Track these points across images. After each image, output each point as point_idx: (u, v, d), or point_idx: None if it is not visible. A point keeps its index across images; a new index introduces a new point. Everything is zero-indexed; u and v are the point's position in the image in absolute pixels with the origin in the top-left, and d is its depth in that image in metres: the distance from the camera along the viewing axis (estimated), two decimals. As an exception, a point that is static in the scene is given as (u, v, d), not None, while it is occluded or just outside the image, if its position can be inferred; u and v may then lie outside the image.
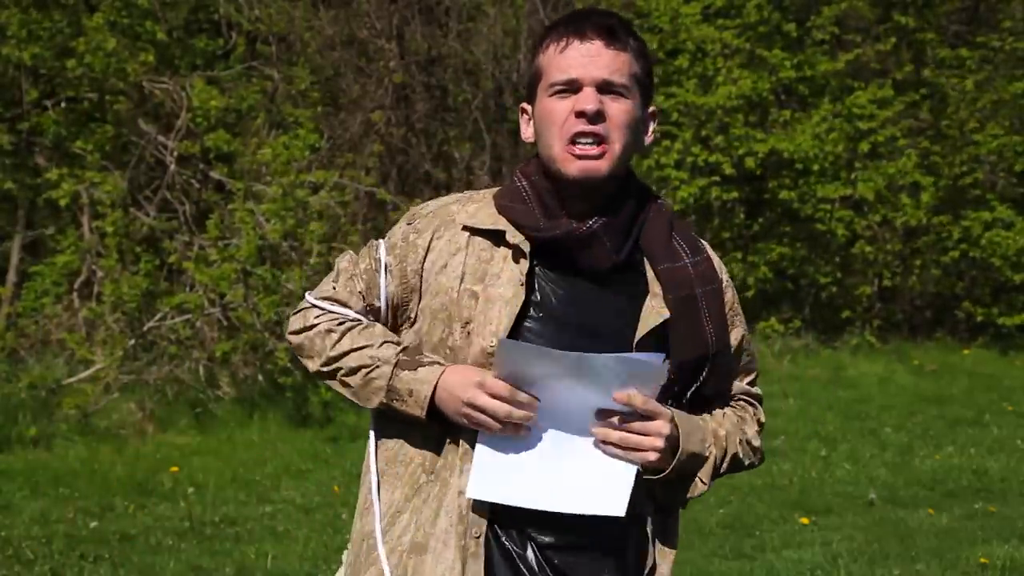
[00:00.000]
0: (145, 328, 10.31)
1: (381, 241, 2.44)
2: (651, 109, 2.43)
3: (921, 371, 12.81)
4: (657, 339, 2.30)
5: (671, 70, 14.13)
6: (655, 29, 14.17)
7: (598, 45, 2.30)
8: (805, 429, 9.87)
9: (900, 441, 9.55)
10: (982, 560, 6.35)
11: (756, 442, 2.47)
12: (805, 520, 7.25)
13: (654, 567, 2.38)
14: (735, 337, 2.44)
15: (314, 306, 2.44)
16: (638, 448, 2.25)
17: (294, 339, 2.45)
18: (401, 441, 2.36)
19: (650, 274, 2.35)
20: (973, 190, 14.56)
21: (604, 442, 2.25)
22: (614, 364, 2.20)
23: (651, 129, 2.44)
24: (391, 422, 2.37)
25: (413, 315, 2.38)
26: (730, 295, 2.45)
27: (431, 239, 2.37)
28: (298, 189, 10.40)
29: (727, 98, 13.60)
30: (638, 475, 2.27)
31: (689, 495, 2.37)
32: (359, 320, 2.40)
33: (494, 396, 2.23)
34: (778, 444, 9.33)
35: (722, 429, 2.40)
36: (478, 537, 2.26)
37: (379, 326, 2.39)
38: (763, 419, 2.53)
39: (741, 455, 2.43)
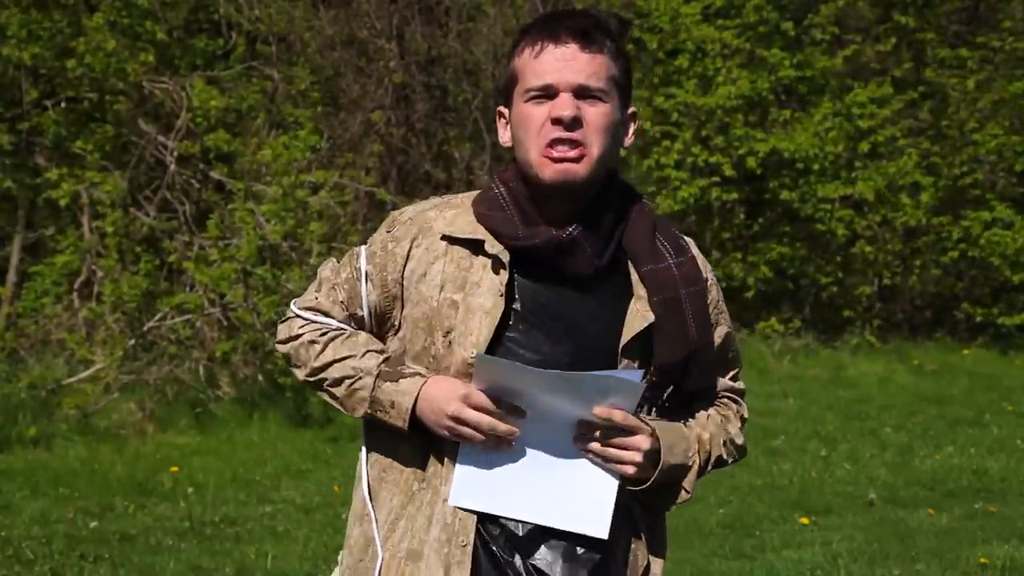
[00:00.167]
0: (145, 328, 10.31)
1: (362, 248, 2.42)
2: (630, 110, 2.38)
3: (921, 371, 12.81)
4: (642, 341, 2.29)
5: (671, 70, 14.13)
6: (655, 29, 14.17)
7: (573, 49, 2.26)
8: (805, 429, 9.88)
9: (900, 441, 9.55)
10: (982, 560, 6.35)
11: (739, 440, 2.47)
12: (805, 520, 7.25)
13: (647, 570, 2.37)
14: (720, 334, 2.44)
15: (298, 316, 2.43)
16: (617, 462, 2.25)
17: (281, 348, 2.46)
18: (394, 448, 2.36)
19: (634, 276, 2.33)
20: (973, 190, 14.56)
21: (585, 451, 2.26)
22: (592, 381, 2.20)
23: (631, 130, 2.39)
24: (382, 429, 2.36)
25: (397, 323, 2.37)
26: (714, 293, 2.43)
27: (410, 247, 2.35)
28: (298, 189, 10.40)
29: (727, 98, 13.60)
30: (620, 488, 2.27)
31: (672, 502, 2.37)
32: (342, 329, 2.39)
33: (478, 409, 2.22)
34: (778, 444, 9.33)
35: (706, 433, 2.40)
36: (464, 546, 2.25)
37: (363, 335, 2.38)
38: (746, 414, 2.52)
39: (725, 456, 2.44)
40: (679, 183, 13.78)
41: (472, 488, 2.26)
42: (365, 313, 2.39)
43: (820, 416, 10.46)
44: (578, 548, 2.28)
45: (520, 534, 2.27)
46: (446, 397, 2.24)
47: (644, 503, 2.34)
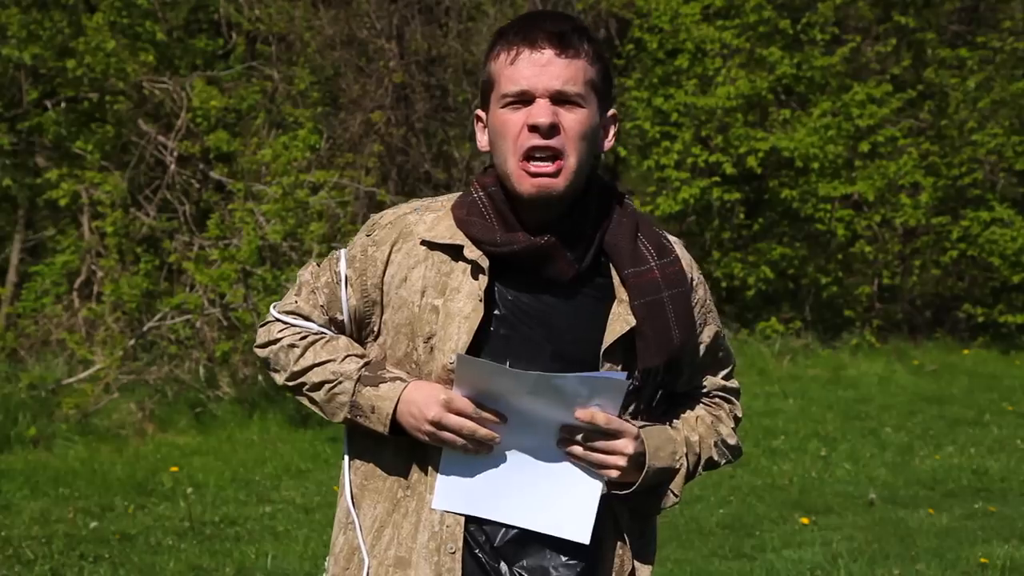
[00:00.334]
0: (145, 328, 10.31)
1: (342, 252, 2.39)
2: (611, 112, 2.34)
3: (921, 371, 12.81)
4: (625, 345, 2.26)
5: (671, 70, 14.13)
6: (655, 29, 14.17)
7: (549, 54, 2.21)
8: (805, 429, 9.87)
9: (900, 441, 9.55)
10: (982, 560, 6.34)
11: (732, 441, 2.44)
12: (805, 520, 7.25)
13: (632, 575, 2.35)
14: (708, 335, 2.41)
15: (277, 320, 2.41)
16: (601, 465, 2.23)
17: (260, 353, 2.43)
18: (376, 455, 2.34)
19: (616, 279, 2.29)
20: (973, 190, 14.57)
21: (569, 454, 2.24)
22: (574, 383, 2.18)
23: (611, 132, 2.34)
24: (363, 436, 2.34)
25: (376, 328, 2.34)
26: (701, 293, 2.40)
27: (389, 252, 2.32)
28: (298, 189, 10.40)
29: (727, 98, 13.61)
30: (605, 493, 2.26)
31: (661, 506, 2.34)
32: (322, 333, 2.36)
33: (459, 414, 2.20)
34: (778, 444, 9.33)
35: (695, 434, 2.37)
36: (453, 553, 2.24)
37: (343, 339, 2.35)
38: (740, 414, 2.49)
39: (716, 457, 2.41)
40: (679, 183, 13.79)
41: (455, 492, 2.24)
42: (345, 317, 2.36)
43: (820, 416, 10.46)
44: (563, 555, 2.26)
45: (505, 540, 2.26)
46: (426, 402, 2.21)
47: (631, 507, 2.32)
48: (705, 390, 2.46)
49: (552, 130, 2.20)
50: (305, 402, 2.38)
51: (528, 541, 2.26)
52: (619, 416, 2.24)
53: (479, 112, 2.33)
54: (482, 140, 2.33)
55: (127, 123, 11.23)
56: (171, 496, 7.64)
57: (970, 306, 14.74)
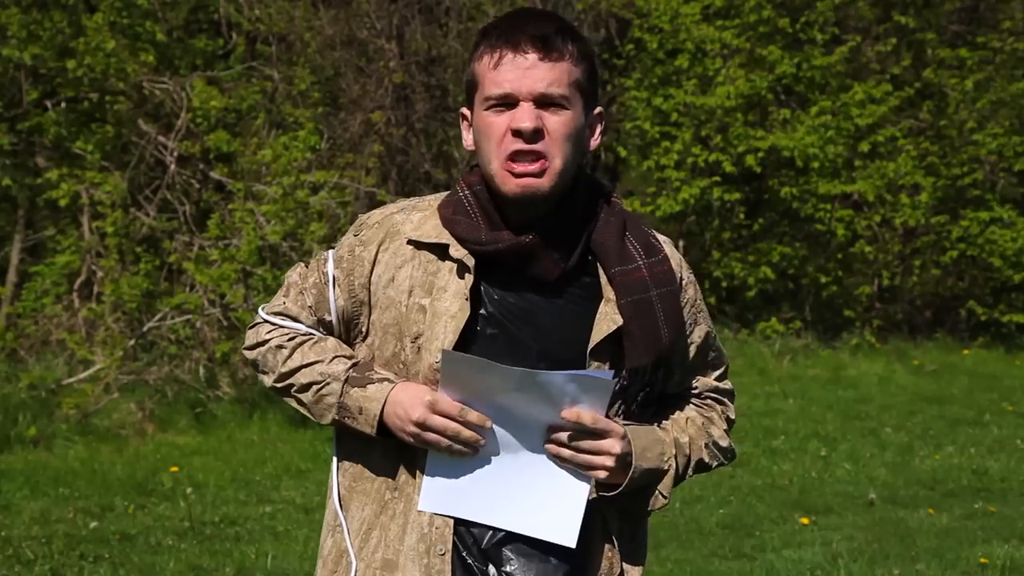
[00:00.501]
0: (145, 328, 10.31)
1: (330, 253, 2.38)
2: (597, 111, 2.31)
3: (921, 371, 12.81)
4: (612, 345, 2.25)
5: (671, 70, 14.13)
6: (655, 29, 14.17)
7: (533, 58, 2.19)
8: (805, 429, 9.87)
9: (900, 441, 9.55)
10: (982, 560, 6.35)
11: (724, 443, 2.42)
12: (805, 520, 7.25)
13: None
14: (699, 334, 2.39)
15: (266, 321, 2.39)
16: (588, 466, 2.21)
17: (249, 354, 2.41)
18: (364, 457, 2.32)
19: (603, 278, 2.28)
20: (972, 190, 14.57)
21: (556, 456, 2.22)
22: (561, 380, 2.17)
23: (597, 131, 2.33)
24: (352, 438, 2.33)
25: (364, 329, 2.33)
26: (691, 292, 2.38)
27: (377, 252, 2.31)
28: (298, 190, 10.40)
29: (726, 98, 13.61)
30: (592, 494, 2.24)
31: (649, 508, 2.32)
32: (311, 335, 2.35)
33: (443, 415, 2.19)
34: (778, 444, 9.33)
35: (684, 436, 2.35)
36: (443, 554, 2.23)
37: (331, 340, 2.34)
38: (732, 416, 2.47)
39: (707, 459, 2.39)
40: (679, 183, 13.79)
41: (441, 495, 2.23)
42: (333, 318, 2.35)
43: (820, 416, 10.46)
44: (551, 557, 2.25)
45: (492, 543, 2.24)
46: (411, 402, 2.20)
47: (620, 509, 2.30)
48: (697, 391, 2.43)
49: (536, 135, 2.19)
50: (293, 404, 2.36)
51: (515, 544, 2.24)
52: (605, 416, 2.22)
53: (464, 111, 2.32)
54: (467, 139, 2.32)
55: (127, 123, 11.23)
56: (171, 496, 7.64)
57: (972, 305, 14.73)
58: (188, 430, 9.57)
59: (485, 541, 2.25)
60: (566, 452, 2.21)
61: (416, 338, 2.25)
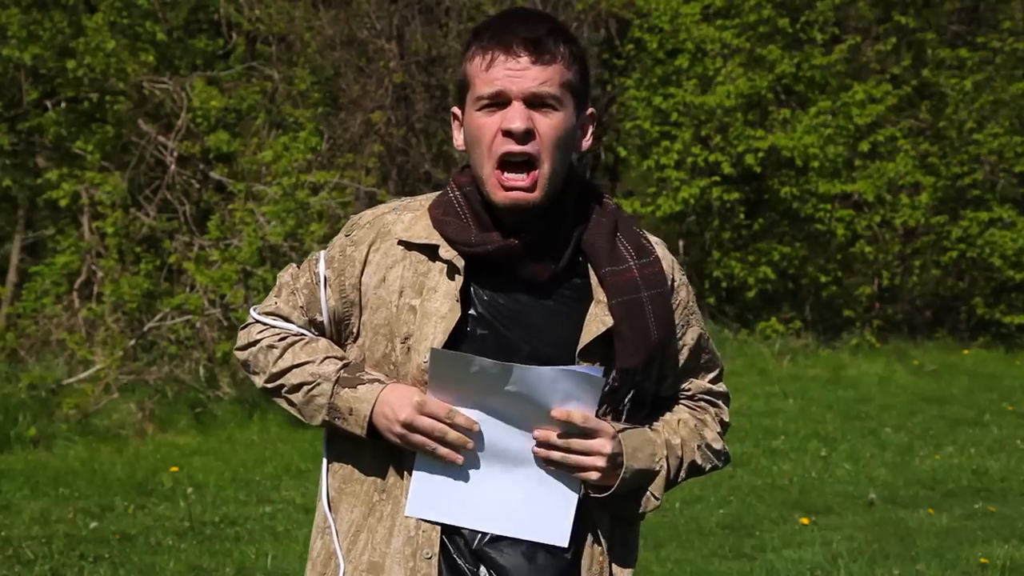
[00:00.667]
0: (145, 328, 10.31)
1: (321, 253, 2.38)
2: (589, 111, 2.31)
3: (921, 371, 12.81)
4: (602, 346, 2.23)
5: (671, 70, 14.14)
6: (655, 29, 14.18)
7: (525, 61, 2.19)
8: (805, 429, 9.87)
9: (900, 441, 9.54)
10: (982, 560, 6.35)
11: (717, 445, 2.40)
12: (805, 520, 7.25)
13: None
14: (692, 337, 2.38)
15: (257, 321, 2.38)
16: (579, 467, 2.20)
17: (240, 355, 2.40)
18: (354, 458, 2.31)
19: (594, 279, 2.27)
20: (972, 190, 14.57)
21: (545, 461, 2.21)
22: (551, 377, 2.16)
23: (589, 132, 2.32)
24: (342, 439, 2.32)
25: (355, 330, 2.32)
26: (683, 294, 2.37)
27: (367, 252, 2.30)
28: (298, 190, 10.40)
29: (726, 97, 13.61)
30: (583, 495, 2.23)
31: (641, 510, 2.30)
32: (302, 335, 2.34)
33: (431, 417, 2.18)
34: (778, 444, 9.33)
35: (676, 438, 2.33)
36: (429, 558, 2.21)
37: (323, 341, 2.33)
38: (727, 419, 2.45)
39: (700, 461, 2.36)
40: (679, 183, 13.79)
41: (429, 499, 2.22)
42: (325, 319, 2.34)
43: (820, 416, 10.46)
44: (541, 559, 2.23)
45: (483, 544, 2.23)
46: (400, 403, 2.19)
47: (611, 512, 2.28)
48: (690, 393, 2.42)
49: (527, 136, 2.18)
50: (284, 405, 2.35)
51: (506, 544, 2.23)
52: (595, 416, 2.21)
53: (455, 110, 2.32)
54: (458, 139, 2.32)
55: (127, 123, 11.23)
56: (171, 496, 7.65)
57: (973, 304, 14.72)
58: (188, 430, 9.57)
59: (476, 543, 2.23)
60: (556, 455, 2.19)
61: (406, 338, 2.25)
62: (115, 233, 10.46)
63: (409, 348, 2.24)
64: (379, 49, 13.79)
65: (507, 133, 2.18)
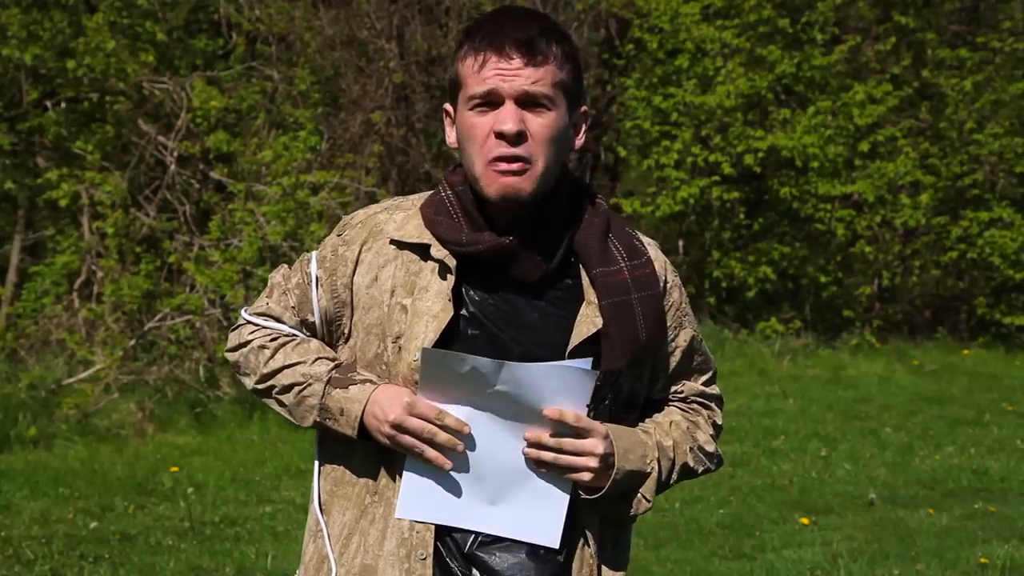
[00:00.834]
0: (145, 328, 10.32)
1: (313, 254, 2.37)
2: (582, 109, 2.30)
3: (921, 371, 12.81)
4: (593, 347, 2.22)
5: (671, 70, 14.14)
6: (655, 29, 14.18)
7: (517, 63, 2.19)
8: (805, 429, 9.87)
9: (900, 441, 9.54)
10: (982, 560, 6.34)
11: (710, 448, 2.38)
12: (805, 520, 7.25)
13: None
14: (684, 339, 2.37)
15: (249, 322, 2.37)
16: (571, 468, 2.19)
17: (230, 356, 2.39)
18: (346, 460, 2.30)
19: (585, 280, 2.26)
20: (972, 190, 14.57)
21: (536, 462, 2.20)
22: (542, 373, 2.15)
23: (583, 130, 2.32)
24: (334, 441, 2.30)
25: (347, 331, 2.31)
26: (676, 296, 2.36)
27: (359, 251, 2.29)
28: (299, 190, 10.40)
29: (726, 97, 13.61)
30: (574, 496, 2.22)
31: (632, 512, 2.29)
32: (294, 335, 2.33)
33: (421, 418, 2.17)
34: (778, 444, 9.33)
35: (668, 439, 2.32)
36: (424, 559, 2.21)
37: (314, 341, 2.32)
38: (719, 421, 2.44)
39: (692, 463, 2.35)
40: (679, 183, 13.79)
41: (419, 500, 2.21)
42: (317, 319, 2.33)
43: (820, 416, 10.46)
44: (532, 561, 2.22)
45: (474, 546, 2.23)
46: (390, 403, 2.18)
47: (602, 514, 2.27)
48: (682, 395, 2.41)
49: (519, 138, 2.18)
50: (274, 406, 2.34)
51: (498, 547, 2.23)
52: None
53: (447, 107, 2.31)
54: (451, 136, 2.31)
55: (127, 123, 11.23)
56: (171, 496, 7.65)
57: (973, 304, 14.71)
58: (188, 430, 9.57)
59: (467, 546, 2.23)
60: (547, 456, 2.18)
61: (397, 338, 2.24)
62: (115, 233, 10.46)
63: (400, 348, 2.23)
64: (379, 49, 13.79)
65: (500, 135, 2.18)
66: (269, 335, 2.34)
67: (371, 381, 2.24)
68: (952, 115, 14.57)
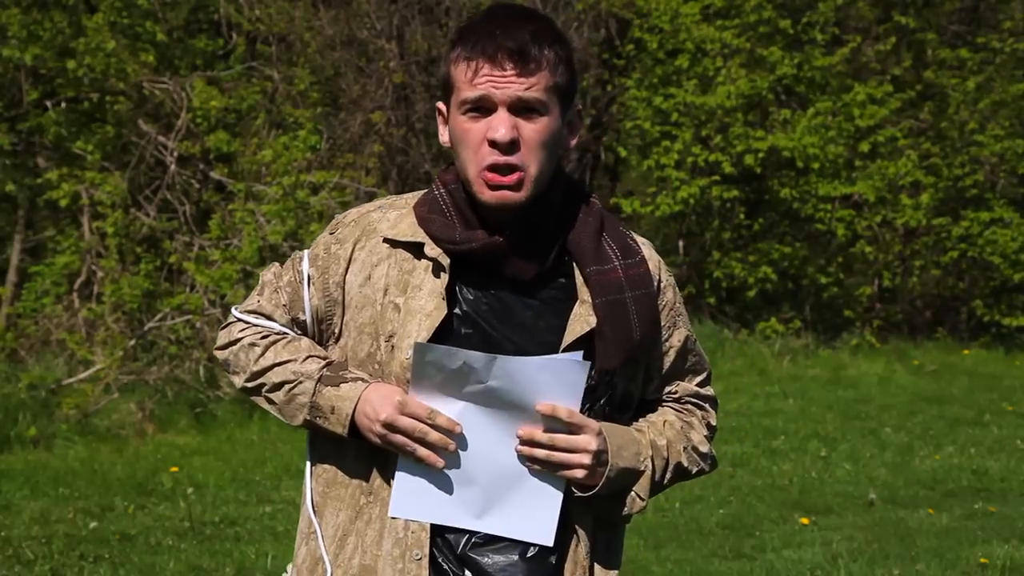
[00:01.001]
0: (145, 328, 10.32)
1: (305, 252, 2.36)
2: (577, 108, 2.30)
3: (921, 371, 12.81)
4: (585, 345, 2.21)
5: (671, 70, 14.13)
6: (655, 29, 14.17)
7: (510, 72, 2.18)
8: (805, 429, 9.87)
9: (900, 441, 9.54)
10: (982, 560, 6.35)
11: (704, 448, 2.37)
12: (805, 520, 7.25)
13: None
14: (678, 339, 2.36)
15: (239, 320, 2.36)
16: (564, 465, 2.18)
17: (220, 355, 2.38)
18: (338, 461, 2.28)
19: (579, 279, 2.26)
20: (973, 190, 14.57)
21: (529, 459, 2.19)
22: (535, 367, 2.14)
23: (577, 128, 2.31)
24: (325, 441, 2.28)
25: (337, 330, 2.30)
26: (670, 296, 2.35)
27: (352, 250, 2.29)
28: (299, 190, 10.41)
29: (727, 98, 13.61)
30: (567, 494, 2.21)
31: (626, 511, 2.27)
32: (284, 333, 2.32)
33: (412, 417, 2.16)
34: (778, 444, 9.33)
35: (662, 439, 2.31)
36: (419, 559, 2.20)
37: (305, 340, 2.31)
38: (714, 422, 2.43)
39: (686, 464, 2.34)
40: (679, 183, 13.79)
41: (412, 499, 2.20)
42: (308, 318, 2.32)
43: (820, 416, 10.46)
44: (525, 561, 2.22)
45: (468, 547, 2.22)
46: (381, 402, 2.17)
47: (595, 513, 2.26)
48: (676, 396, 2.40)
49: (512, 146, 2.17)
50: (264, 404, 2.33)
51: (490, 548, 2.22)
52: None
53: (440, 106, 2.30)
54: (444, 135, 2.30)
55: (127, 123, 11.23)
56: (171, 496, 7.65)
57: (980, 305, 14.70)
58: (188, 430, 9.57)
59: (460, 547, 2.22)
60: (540, 453, 2.17)
61: (390, 336, 2.23)
62: (115, 233, 10.46)
63: (393, 346, 2.22)
64: (379, 49, 13.79)
65: (492, 144, 2.18)
66: (260, 333, 2.33)
67: (362, 379, 2.23)
68: (954, 115, 14.57)
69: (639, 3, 14.26)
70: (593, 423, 2.20)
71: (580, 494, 2.22)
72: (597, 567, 2.29)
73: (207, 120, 11.01)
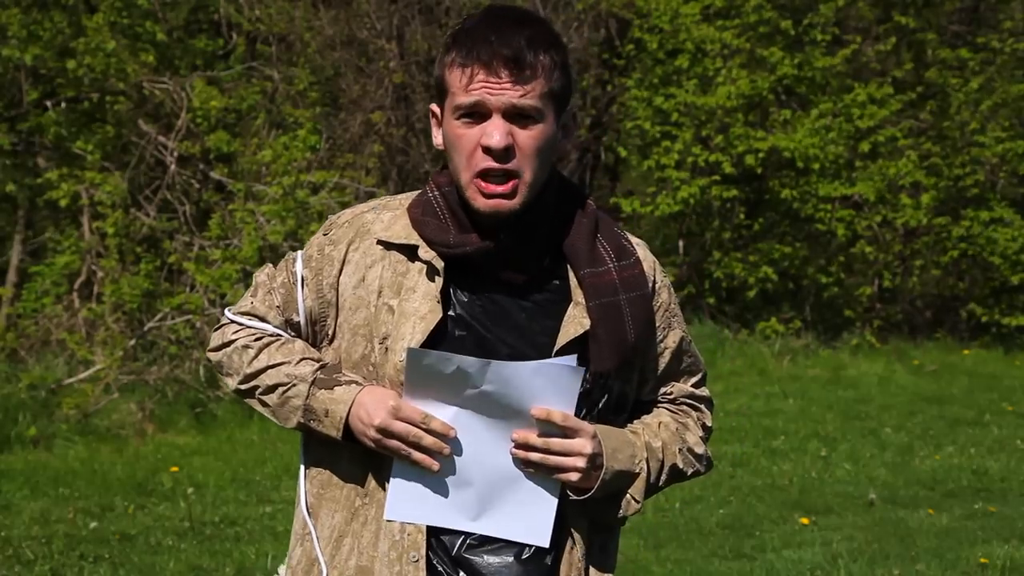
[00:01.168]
0: (145, 328, 10.32)
1: (299, 253, 2.34)
2: (572, 111, 2.29)
3: (921, 371, 12.81)
4: (579, 347, 2.20)
5: (671, 70, 14.13)
6: (655, 29, 14.17)
7: (505, 79, 2.15)
8: (805, 429, 9.87)
9: (900, 441, 9.54)
10: (982, 560, 6.35)
11: (699, 449, 2.36)
12: (805, 520, 7.25)
13: None
14: (673, 340, 2.35)
15: (232, 321, 2.34)
16: (559, 468, 2.17)
17: (213, 357, 2.36)
18: (332, 463, 2.28)
19: (573, 281, 2.25)
20: (973, 189, 14.56)
21: (524, 463, 2.18)
22: (529, 372, 2.14)
23: (572, 130, 2.30)
24: (319, 444, 2.28)
25: (331, 332, 2.29)
26: (665, 297, 2.34)
27: (346, 251, 2.27)
28: (298, 190, 10.41)
29: (727, 98, 13.61)
30: (562, 497, 2.20)
31: (621, 513, 2.27)
32: (278, 335, 2.30)
33: (407, 421, 2.16)
34: (778, 444, 9.33)
35: (657, 440, 2.30)
36: (416, 561, 2.19)
37: (299, 342, 2.30)
38: (709, 423, 2.42)
39: (682, 465, 2.33)
40: (679, 183, 13.79)
41: (408, 501, 2.20)
42: (302, 319, 2.30)
43: (820, 416, 10.46)
44: (520, 564, 2.21)
45: (462, 549, 2.22)
46: (375, 406, 2.16)
47: (590, 516, 2.26)
48: (672, 397, 2.39)
49: (506, 153, 2.16)
50: (257, 407, 2.31)
51: (485, 550, 2.22)
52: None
53: (433, 107, 2.29)
54: (437, 137, 2.28)
55: (127, 123, 11.23)
56: (171, 496, 7.65)
57: (977, 306, 14.71)
58: (188, 430, 9.57)
59: (456, 548, 2.22)
60: (535, 456, 2.17)
61: (384, 339, 2.22)
62: (115, 233, 10.46)
63: (387, 349, 2.21)
64: (379, 49, 13.79)
65: (487, 150, 2.16)
66: (253, 335, 2.32)
67: (356, 382, 2.22)
68: (954, 115, 14.57)
69: (639, 3, 14.26)
70: (588, 426, 2.19)
71: (575, 497, 2.21)
72: (592, 570, 2.29)
73: (207, 120, 11.01)
